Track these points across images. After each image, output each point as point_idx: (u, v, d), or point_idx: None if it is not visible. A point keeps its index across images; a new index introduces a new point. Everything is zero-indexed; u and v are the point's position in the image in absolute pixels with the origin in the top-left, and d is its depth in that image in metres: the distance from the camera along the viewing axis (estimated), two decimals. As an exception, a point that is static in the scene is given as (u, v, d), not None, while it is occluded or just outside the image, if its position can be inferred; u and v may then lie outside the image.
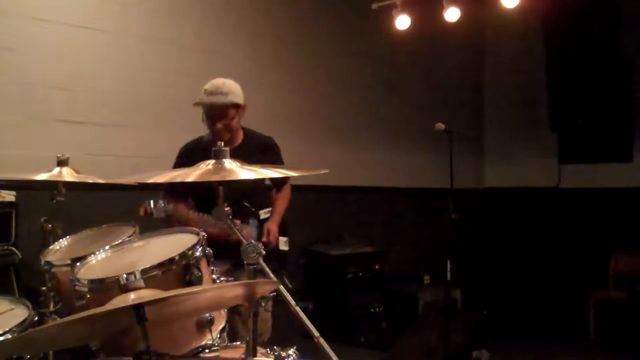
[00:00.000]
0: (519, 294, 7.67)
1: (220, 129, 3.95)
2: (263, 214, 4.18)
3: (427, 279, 7.39)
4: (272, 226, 4.14)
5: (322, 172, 2.55)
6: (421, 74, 7.96)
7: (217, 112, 3.94)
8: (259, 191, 4.20)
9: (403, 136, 7.83)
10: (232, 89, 4.01)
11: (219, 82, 4.01)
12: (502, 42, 8.57)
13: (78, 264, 2.61)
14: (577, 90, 7.53)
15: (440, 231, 5.10)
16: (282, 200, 4.40)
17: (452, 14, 6.26)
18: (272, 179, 4.24)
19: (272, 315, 3.94)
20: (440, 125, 5.16)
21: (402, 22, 6.48)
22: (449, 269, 5.10)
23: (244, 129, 4.20)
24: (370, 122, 7.53)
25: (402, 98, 7.80)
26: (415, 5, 6.46)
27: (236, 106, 4.01)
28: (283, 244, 4.29)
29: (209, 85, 3.98)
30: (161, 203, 3.41)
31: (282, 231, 4.27)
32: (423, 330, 5.90)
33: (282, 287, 2.24)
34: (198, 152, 3.63)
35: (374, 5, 6.70)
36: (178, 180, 2.32)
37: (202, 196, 3.80)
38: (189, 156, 3.88)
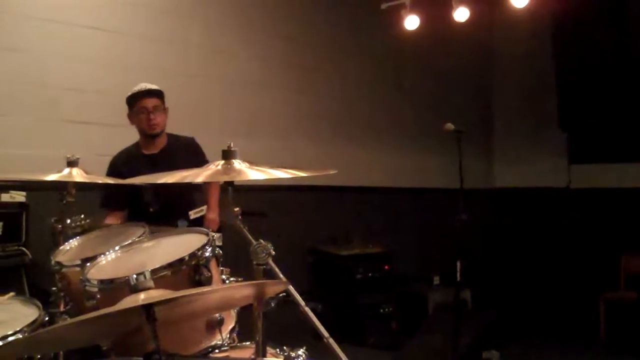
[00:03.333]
0: (529, 295, 7.64)
1: (153, 118, 4.12)
2: (193, 214, 4.20)
3: (436, 280, 7.38)
4: (213, 216, 4.24)
5: (330, 172, 2.55)
6: (430, 74, 7.95)
7: (149, 102, 4.11)
8: (186, 192, 4.26)
9: (412, 136, 7.82)
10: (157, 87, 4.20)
11: (144, 83, 4.19)
12: (511, 41, 8.54)
13: (88, 264, 2.61)
14: (587, 89, 7.50)
15: (449, 232, 5.08)
16: (215, 190, 4.42)
17: (461, 14, 6.25)
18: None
19: (278, 316, 3.97)
20: (450, 126, 5.14)
21: (411, 22, 6.47)
22: (458, 270, 5.08)
23: (167, 134, 4.33)
24: (379, 123, 7.53)
25: (411, 98, 7.79)
26: (424, 5, 6.45)
27: (163, 102, 4.18)
28: (217, 239, 4.31)
29: (137, 87, 4.16)
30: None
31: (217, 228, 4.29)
32: (433, 330, 5.88)
33: (291, 287, 2.24)
34: (128, 167, 4.00)
35: (383, 6, 6.70)
36: (187, 180, 2.33)
37: (136, 205, 4.08)
38: (117, 168, 4.12)
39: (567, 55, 7.69)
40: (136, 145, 4.34)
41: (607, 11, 7.31)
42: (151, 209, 4.11)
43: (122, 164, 4.20)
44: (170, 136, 4.36)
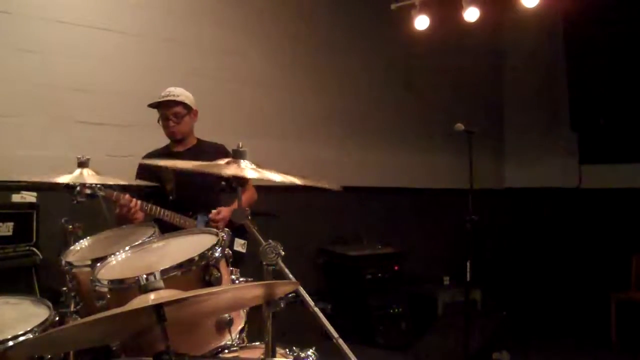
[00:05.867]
0: (539, 295, 7.61)
1: (172, 126, 4.23)
2: (215, 214, 4.24)
3: (446, 280, 7.37)
4: (224, 209, 4.22)
5: (328, 186, 2.53)
6: (441, 74, 7.93)
7: (168, 110, 4.22)
8: (212, 191, 4.30)
9: (422, 137, 7.81)
10: (183, 92, 4.29)
11: (171, 88, 4.29)
12: (521, 41, 8.52)
13: (98, 264, 2.63)
14: (598, 89, 7.47)
15: (459, 232, 5.07)
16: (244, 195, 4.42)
17: (471, 14, 6.22)
18: (227, 182, 4.29)
19: (287, 316, 3.99)
20: (460, 126, 5.14)
21: (421, 22, 6.45)
22: (468, 270, 5.07)
23: (198, 138, 4.46)
24: (389, 123, 7.52)
25: (421, 99, 7.78)
26: (434, 5, 6.43)
27: (187, 107, 4.27)
28: (240, 245, 4.34)
29: (162, 92, 4.26)
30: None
31: (241, 234, 4.33)
32: (443, 331, 5.88)
33: (301, 288, 2.24)
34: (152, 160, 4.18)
35: (393, 6, 6.68)
36: (180, 166, 2.33)
37: (159, 194, 4.16)
38: (148, 167, 4.21)
39: (578, 55, 7.65)
40: (166, 146, 4.45)
41: (618, 10, 7.27)
42: (171, 197, 4.19)
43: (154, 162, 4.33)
44: (200, 140, 4.47)
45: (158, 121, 4.26)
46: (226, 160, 2.40)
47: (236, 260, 4.24)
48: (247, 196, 4.46)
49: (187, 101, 4.26)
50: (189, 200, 4.19)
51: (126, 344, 2.31)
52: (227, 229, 4.30)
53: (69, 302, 2.85)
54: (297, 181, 2.39)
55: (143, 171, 4.22)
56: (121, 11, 5.50)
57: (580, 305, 7.22)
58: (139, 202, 3.86)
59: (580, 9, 7.26)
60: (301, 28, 6.73)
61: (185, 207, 4.17)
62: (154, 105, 4.25)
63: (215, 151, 4.33)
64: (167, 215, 4.04)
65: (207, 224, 4.19)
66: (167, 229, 3.49)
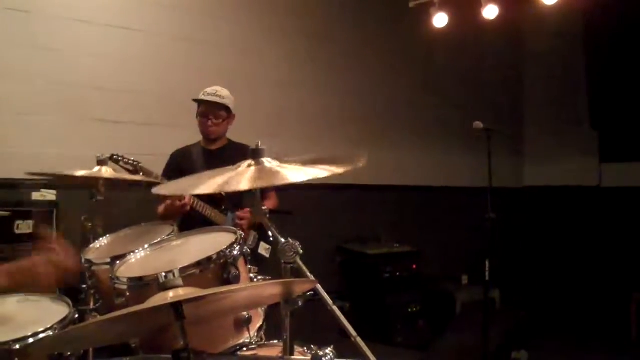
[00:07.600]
0: (558, 294, 7.57)
1: (210, 126, 4.34)
2: (242, 213, 4.28)
3: (465, 279, 7.34)
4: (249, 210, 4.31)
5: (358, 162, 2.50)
6: (459, 72, 7.90)
7: (210, 111, 4.33)
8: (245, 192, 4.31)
9: (441, 135, 7.78)
10: (229, 96, 4.40)
11: (218, 87, 4.39)
12: (541, 39, 8.46)
13: (118, 262, 2.63)
14: (618, 87, 7.41)
15: (478, 230, 5.05)
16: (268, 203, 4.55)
17: (490, 12, 6.19)
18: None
19: (306, 314, 4.00)
20: (479, 124, 5.11)
21: (440, 20, 6.43)
22: (487, 269, 5.05)
23: (228, 139, 4.55)
24: (408, 121, 7.50)
25: (440, 97, 7.75)
26: (453, 2, 6.40)
27: (228, 111, 4.38)
28: (264, 250, 4.37)
29: (209, 89, 4.37)
30: None
31: (266, 238, 4.35)
32: (461, 330, 5.86)
33: (319, 286, 2.23)
34: (186, 159, 4.34)
35: (412, 3, 6.67)
36: (220, 189, 2.29)
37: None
38: (178, 163, 4.37)
39: (597, 53, 7.60)
40: (197, 143, 4.54)
41: (638, 9, 7.21)
42: None
43: (180, 157, 4.44)
44: (230, 140, 4.54)
45: (197, 116, 4.36)
46: (247, 162, 2.38)
47: (257, 261, 4.28)
48: (271, 205, 4.49)
49: (230, 105, 4.36)
50: (221, 195, 4.23)
51: (145, 341, 2.32)
52: (254, 232, 4.38)
53: (88, 300, 2.87)
54: (337, 170, 2.34)
55: (174, 165, 4.35)
56: (141, 11, 5.52)
57: (600, 305, 7.17)
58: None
59: (600, 7, 7.20)
60: (319, 26, 6.72)
61: (217, 201, 4.24)
62: (198, 101, 4.34)
63: (243, 153, 4.36)
64: (200, 206, 4.09)
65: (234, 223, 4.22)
66: (193, 221, 3.52)
